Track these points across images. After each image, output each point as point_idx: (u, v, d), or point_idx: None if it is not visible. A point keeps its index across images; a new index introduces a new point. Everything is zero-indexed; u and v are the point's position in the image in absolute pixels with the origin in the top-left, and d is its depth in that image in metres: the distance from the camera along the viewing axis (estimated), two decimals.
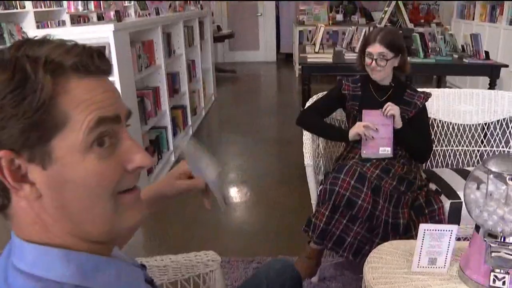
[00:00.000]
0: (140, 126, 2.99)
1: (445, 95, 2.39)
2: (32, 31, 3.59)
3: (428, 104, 2.33)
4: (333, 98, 2.26)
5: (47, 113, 0.51)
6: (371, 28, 4.84)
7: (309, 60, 3.62)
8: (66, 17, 5.94)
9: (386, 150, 2.05)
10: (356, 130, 2.06)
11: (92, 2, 2.54)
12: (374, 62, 2.05)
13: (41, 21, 5.63)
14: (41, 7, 5.55)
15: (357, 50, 3.78)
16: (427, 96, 2.15)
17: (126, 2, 6.69)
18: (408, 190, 1.96)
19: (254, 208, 3.03)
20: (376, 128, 2.03)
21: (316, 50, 3.82)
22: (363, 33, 3.84)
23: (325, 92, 2.30)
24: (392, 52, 2.04)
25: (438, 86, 5.51)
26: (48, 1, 5.70)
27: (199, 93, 5.15)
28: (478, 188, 1.19)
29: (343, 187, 1.84)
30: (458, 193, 1.97)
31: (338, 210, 1.85)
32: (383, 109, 2.03)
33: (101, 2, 2.53)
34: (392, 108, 2.02)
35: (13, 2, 5.09)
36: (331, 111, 2.32)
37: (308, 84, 3.51)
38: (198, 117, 5.06)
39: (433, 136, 2.39)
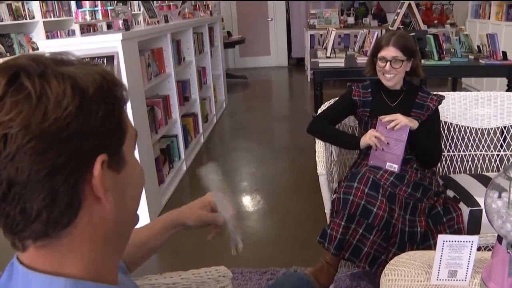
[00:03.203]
0: (151, 135, 2.96)
1: (461, 99, 2.32)
2: (42, 41, 3.60)
3: (443, 108, 2.26)
4: (343, 105, 2.21)
5: (122, 119, 0.56)
6: (384, 31, 4.79)
7: (320, 65, 3.57)
8: (75, 27, 5.95)
9: (393, 167, 1.97)
10: (367, 140, 2.00)
11: (100, 11, 2.50)
12: (388, 64, 1.99)
13: (51, 30, 5.66)
14: (50, 17, 5.57)
15: (369, 53, 3.71)
16: (440, 98, 2.08)
17: (134, 9, 6.69)
18: (424, 196, 1.90)
19: (266, 217, 2.98)
20: (388, 142, 1.97)
21: (328, 54, 3.77)
22: (375, 36, 3.78)
23: (336, 98, 2.25)
24: (405, 55, 1.99)
25: (454, 89, 5.41)
26: (57, 2, 5.68)
27: (210, 100, 5.13)
28: (499, 197, 1.14)
29: (357, 196, 1.79)
30: (477, 200, 1.89)
31: (354, 219, 1.80)
32: (389, 125, 1.95)
33: (109, 11, 2.50)
34: (399, 121, 1.94)
35: (22, 12, 5.10)
36: (342, 118, 2.27)
37: (320, 90, 3.45)
38: (209, 124, 5.04)
39: (444, 140, 2.32)
